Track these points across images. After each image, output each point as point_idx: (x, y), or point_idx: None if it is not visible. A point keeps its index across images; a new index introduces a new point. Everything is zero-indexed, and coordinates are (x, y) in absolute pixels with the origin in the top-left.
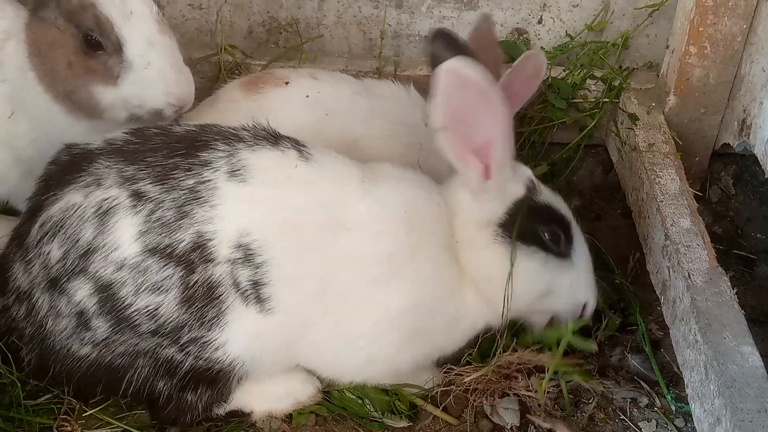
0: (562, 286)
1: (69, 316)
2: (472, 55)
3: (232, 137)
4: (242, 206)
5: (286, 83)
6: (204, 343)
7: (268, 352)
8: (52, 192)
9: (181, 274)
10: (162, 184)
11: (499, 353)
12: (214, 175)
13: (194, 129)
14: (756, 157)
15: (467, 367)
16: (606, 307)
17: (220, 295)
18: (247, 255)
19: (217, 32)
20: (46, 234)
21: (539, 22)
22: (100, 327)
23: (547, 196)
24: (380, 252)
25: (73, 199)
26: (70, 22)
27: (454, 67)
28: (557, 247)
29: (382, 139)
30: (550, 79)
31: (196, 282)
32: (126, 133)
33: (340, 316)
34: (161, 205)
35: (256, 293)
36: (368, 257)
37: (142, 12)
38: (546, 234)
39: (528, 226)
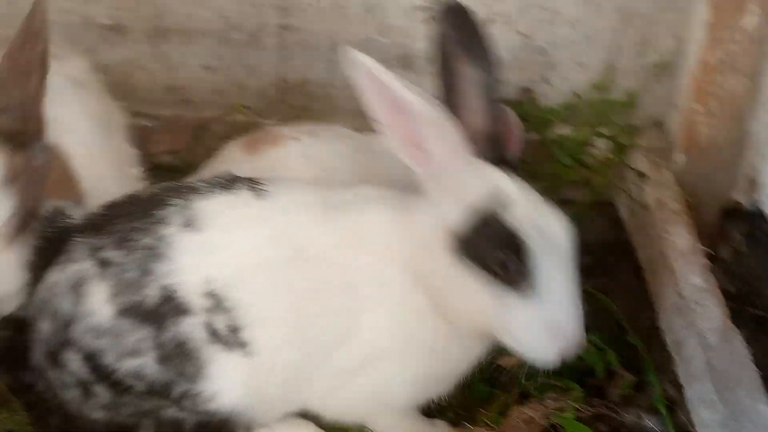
0: (511, 322)
1: (74, 386)
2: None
3: (186, 190)
4: (199, 254)
5: (296, 139)
6: (195, 395)
7: (267, 396)
8: (38, 273)
9: (153, 334)
10: (123, 248)
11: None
12: (168, 230)
13: (156, 190)
14: (766, 215)
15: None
16: (619, 367)
17: (194, 349)
18: (217, 301)
19: (229, 92)
20: (37, 313)
21: (545, 82)
22: (102, 392)
23: (518, 213)
24: (339, 281)
25: (52, 278)
26: None
27: (350, 55)
28: (506, 275)
29: None
30: (557, 137)
31: (167, 340)
32: (100, 206)
33: (320, 352)
34: (125, 267)
35: (236, 338)
36: (329, 288)
37: None
38: (492, 257)
39: (480, 243)
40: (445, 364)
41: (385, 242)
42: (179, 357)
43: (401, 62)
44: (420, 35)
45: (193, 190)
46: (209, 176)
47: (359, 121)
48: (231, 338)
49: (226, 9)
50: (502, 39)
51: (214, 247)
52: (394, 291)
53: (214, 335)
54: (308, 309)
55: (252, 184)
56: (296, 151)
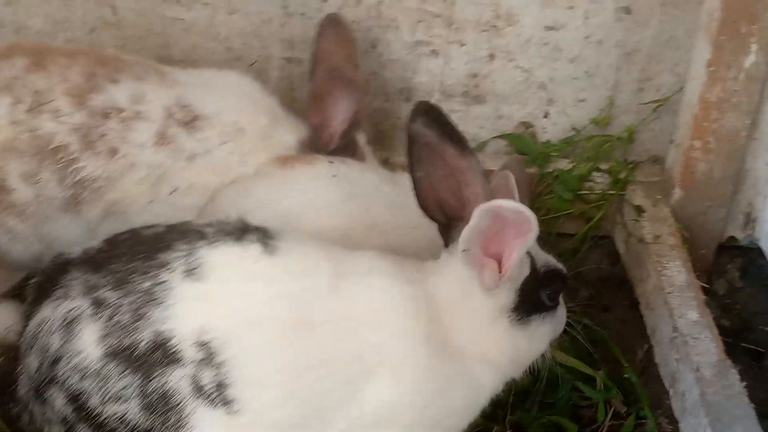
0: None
1: (58, 423)
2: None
3: (194, 235)
4: (198, 304)
5: (330, 162)
6: None
7: None
8: (34, 307)
9: (138, 382)
10: (120, 289)
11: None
12: (170, 276)
13: (161, 230)
14: (762, 251)
15: None
16: (617, 400)
17: (179, 402)
18: (209, 354)
19: None
20: (27, 347)
21: (545, 116)
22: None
23: (540, 254)
24: (347, 352)
25: (45, 313)
26: None
27: (495, 207)
28: (555, 302)
29: (405, 228)
30: (556, 171)
31: (153, 390)
32: (102, 242)
33: (318, 415)
34: (119, 309)
35: (221, 395)
36: (336, 358)
37: None
38: (547, 296)
39: (536, 298)
40: (477, 405)
41: (399, 319)
42: (163, 407)
43: (402, 95)
44: (422, 69)
45: (201, 235)
46: (220, 221)
47: None
48: (216, 395)
49: (231, 41)
50: (503, 73)
51: (214, 299)
52: (407, 367)
53: (199, 390)
54: (310, 375)
55: (264, 237)
56: (326, 172)
